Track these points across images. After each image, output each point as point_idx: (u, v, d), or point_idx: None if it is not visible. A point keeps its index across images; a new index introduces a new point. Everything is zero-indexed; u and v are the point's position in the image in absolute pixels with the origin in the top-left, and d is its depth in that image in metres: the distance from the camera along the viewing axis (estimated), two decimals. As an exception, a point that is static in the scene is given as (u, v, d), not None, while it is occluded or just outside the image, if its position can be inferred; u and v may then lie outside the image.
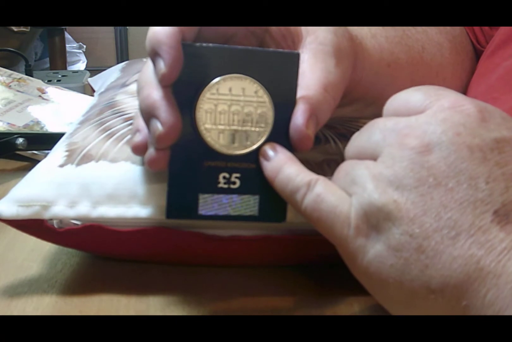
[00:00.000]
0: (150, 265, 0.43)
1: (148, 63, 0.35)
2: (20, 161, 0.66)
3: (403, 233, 0.27)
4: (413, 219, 0.27)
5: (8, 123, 0.70)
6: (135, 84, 0.52)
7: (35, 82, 0.82)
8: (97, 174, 0.39)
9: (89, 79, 0.83)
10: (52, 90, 0.81)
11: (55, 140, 0.47)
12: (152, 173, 0.39)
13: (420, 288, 0.27)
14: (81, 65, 2.16)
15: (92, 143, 0.42)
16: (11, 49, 1.24)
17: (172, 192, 0.34)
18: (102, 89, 0.61)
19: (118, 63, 0.81)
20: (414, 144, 0.28)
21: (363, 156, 0.31)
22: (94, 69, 1.24)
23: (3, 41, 1.62)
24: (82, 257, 0.44)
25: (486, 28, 0.56)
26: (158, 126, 0.33)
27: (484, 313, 0.26)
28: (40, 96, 0.78)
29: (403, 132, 0.29)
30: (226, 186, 0.35)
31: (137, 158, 0.40)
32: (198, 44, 0.33)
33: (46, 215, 0.38)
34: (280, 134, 0.34)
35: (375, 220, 0.28)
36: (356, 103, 0.44)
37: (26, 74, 0.91)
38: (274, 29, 0.38)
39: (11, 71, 0.82)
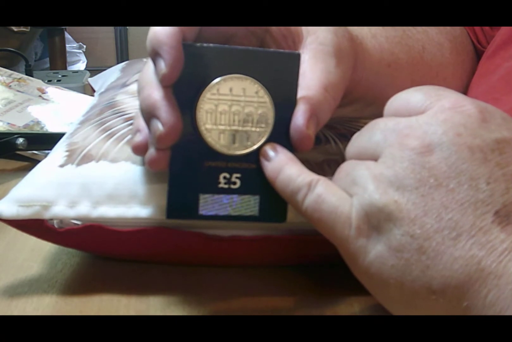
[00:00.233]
0: (150, 265, 0.43)
1: (149, 63, 0.35)
2: (20, 161, 0.66)
3: (404, 234, 0.27)
4: (414, 220, 0.27)
5: (8, 123, 0.70)
6: (135, 84, 0.52)
7: (35, 82, 0.82)
8: (97, 174, 0.39)
9: (89, 79, 0.83)
10: (52, 90, 0.81)
11: (55, 140, 0.47)
12: (152, 173, 0.39)
13: (421, 289, 0.27)
14: (81, 65, 2.16)
15: (93, 143, 0.42)
16: (11, 49, 1.24)
17: (173, 192, 0.34)
18: (102, 89, 0.61)
19: (118, 63, 0.81)
20: (415, 145, 0.28)
21: (363, 156, 0.31)
22: (94, 69, 1.24)
23: (3, 41, 1.62)
24: (82, 257, 0.44)
25: (486, 28, 0.56)
26: (159, 126, 0.33)
27: (485, 314, 0.26)
28: (40, 96, 0.78)
29: (404, 132, 0.29)
30: (226, 186, 0.34)
31: (138, 158, 0.40)
32: (198, 44, 0.33)
33: (47, 215, 0.38)
34: (281, 134, 0.34)
35: (376, 220, 0.28)
36: (356, 103, 0.44)
37: (26, 74, 0.91)
38: (274, 29, 0.38)
39: (11, 71, 0.82)
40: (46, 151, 0.63)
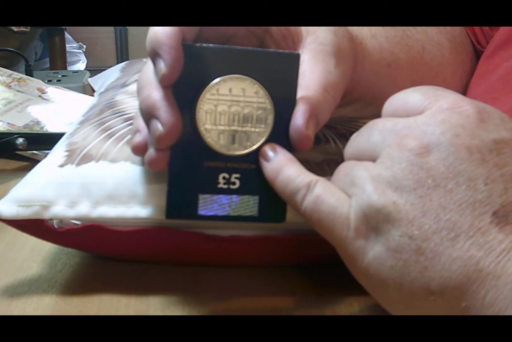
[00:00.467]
0: (150, 265, 0.43)
1: (148, 63, 0.35)
2: (20, 161, 0.66)
3: (402, 235, 0.27)
4: (412, 221, 0.27)
5: (8, 123, 0.70)
6: (135, 84, 0.52)
7: (35, 82, 0.82)
8: (97, 174, 0.39)
9: (89, 79, 0.83)
10: (52, 90, 0.81)
11: (55, 140, 0.47)
12: (152, 173, 0.39)
13: (420, 290, 0.27)
14: (81, 65, 2.16)
15: (92, 143, 0.42)
16: (11, 49, 1.24)
17: (172, 192, 0.34)
18: (102, 89, 0.61)
19: (118, 63, 0.81)
20: (413, 145, 0.28)
21: (362, 157, 0.31)
22: (94, 69, 1.24)
23: (3, 41, 1.62)
24: (82, 257, 0.44)
25: (486, 28, 0.56)
26: (158, 126, 0.33)
27: (483, 314, 0.26)
28: (40, 96, 0.78)
29: (402, 133, 0.29)
30: (225, 186, 0.35)
31: (137, 158, 0.40)
32: (198, 44, 0.33)
33: (46, 215, 0.38)
34: (280, 134, 0.34)
35: (375, 221, 0.28)
36: (356, 103, 0.44)
37: (26, 74, 0.91)
38: (274, 29, 0.38)
39: (11, 71, 0.82)
40: (46, 151, 0.63)
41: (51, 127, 0.71)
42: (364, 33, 0.44)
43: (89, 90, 0.90)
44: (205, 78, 0.33)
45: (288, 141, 0.34)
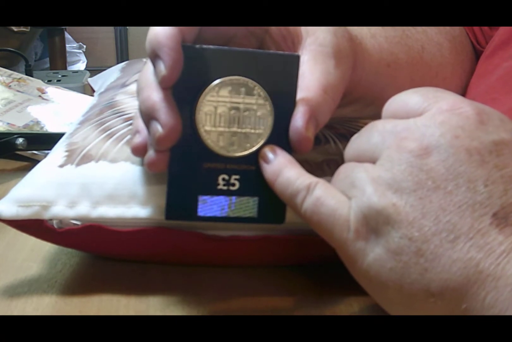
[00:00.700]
0: (150, 265, 0.43)
1: (148, 64, 0.35)
2: (20, 161, 0.66)
3: (402, 237, 0.27)
4: (412, 222, 0.27)
5: (8, 123, 0.70)
6: (135, 84, 0.52)
7: (35, 82, 0.82)
8: (97, 174, 0.39)
9: (89, 79, 0.83)
10: (52, 90, 0.81)
11: (55, 140, 0.47)
12: (151, 173, 0.39)
13: (420, 291, 0.27)
14: (81, 65, 2.15)
15: (92, 143, 0.42)
16: (11, 49, 1.24)
17: (172, 194, 0.34)
18: (102, 89, 0.61)
19: (118, 63, 0.80)
20: (413, 147, 0.28)
21: (362, 158, 0.31)
22: (94, 69, 1.24)
23: (3, 41, 1.62)
24: (82, 257, 0.44)
25: (486, 28, 0.56)
26: (158, 128, 0.33)
27: None
28: (40, 96, 0.78)
29: (402, 135, 0.29)
30: (225, 188, 0.35)
31: (137, 158, 0.40)
32: (198, 46, 0.33)
33: (46, 215, 0.38)
34: (280, 136, 0.34)
35: (374, 223, 0.28)
36: (356, 103, 0.44)
37: (26, 74, 0.91)
38: (274, 30, 0.38)
39: (11, 71, 0.82)
40: (46, 151, 0.63)
41: (51, 127, 0.71)
42: (364, 33, 0.44)
43: (89, 90, 0.90)
44: (205, 80, 0.33)
45: (288, 142, 0.34)
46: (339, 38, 0.38)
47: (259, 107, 0.34)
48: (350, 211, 0.29)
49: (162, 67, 0.32)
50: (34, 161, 0.61)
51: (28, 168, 0.43)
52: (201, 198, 0.34)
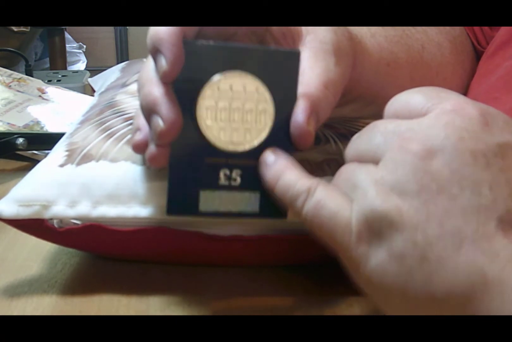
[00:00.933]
0: (150, 265, 0.43)
1: (149, 60, 0.35)
2: (20, 161, 0.66)
3: (406, 240, 0.27)
4: (416, 226, 0.27)
5: (8, 123, 0.70)
6: (135, 84, 0.52)
7: (35, 82, 0.82)
8: (97, 173, 0.39)
9: (89, 80, 0.83)
10: (52, 90, 0.81)
11: (55, 140, 0.47)
12: (152, 173, 0.39)
13: (424, 296, 0.27)
14: (81, 65, 2.15)
15: (92, 143, 0.42)
16: (11, 49, 1.24)
17: (173, 189, 0.34)
18: (102, 89, 0.61)
19: (118, 63, 0.81)
20: (417, 149, 0.28)
21: (363, 159, 0.30)
22: (94, 69, 1.24)
23: (3, 41, 1.62)
24: (82, 257, 0.44)
25: (486, 28, 0.56)
26: (159, 122, 0.33)
27: None
28: (40, 96, 0.78)
29: (405, 135, 0.28)
30: (226, 183, 0.34)
31: (137, 158, 0.40)
32: (199, 41, 0.33)
33: (46, 215, 0.38)
34: (281, 131, 0.34)
35: (377, 226, 0.28)
36: (356, 102, 0.44)
37: (26, 74, 0.91)
38: (274, 28, 0.38)
39: (11, 71, 0.82)
40: (46, 151, 0.63)
41: (51, 127, 0.71)
42: (364, 32, 0.44)
43: (89, 90, 0.90)
44: (205, 75, 0.33)
45: (288, 138, 0.34)
46: (339, 36, 0.38)
47: (260, 102, 0.34)
48: (352, 213, 0.29)
49: (163, 62, 0.32)
50: (34, 161, 0.61)
51: (28, 168, 0.43)
52: (203, 193, 0.34)
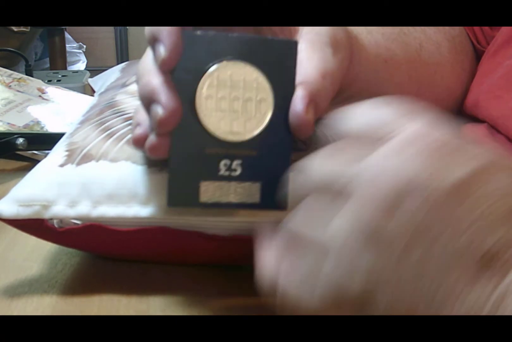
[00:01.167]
0: (150, 265, 0.43)
1: (148, 52, 0.35)
2: (20, 161, 0.66)
3: (386, 309, 0.25)
4: (391, 301, 0.25)
5: (8, 123, 0.70)
6: (135, 85, 0.52)
7: (35, 82, 0.82)
8: (97, 173, 0.39)
9: (89, 80, 0.83)
10: (52, 90, 0.81)
11: (55, 140, 0.47)
12: (152, 173, 0.39)
13: None
14: (81, 65, 2.15)
15: (92, 143, 0.42)
16: (11, 49, 1.24)
17: (173, 180, 0.34)
18: (102, 90, 0.61)
19: (118, 63, 0.81)
20: (374, 209, 0.25)
21: (328, 191, 0.27)
22: (94, 69, 1.24)
23: (3, 41, 1.62)
24: (82, 257, 0.44)
25: (486, 28, 0.56)
26: (159, 110, 0.33)
27: None
28: (40, 96, 0.78)
29: (373, 174, 0.26)
30: (227, 173, 0.34)
31: (138, 158, 0.40)
32: (198, 31, 0.33)
33: (47, 215, 0.38)
34: (280, 120, 0.34)
35: (353, 308, 0.26)
36: (354, 99, 0.44)
37: (26, 74, 0.91)
38: None
39: (11, 71, 0.82)
40: (46, 151, 0.63)
41: (51, 127, 0.71)
42: (360, 29, 0.44)
43: (89, 90, 0.90)
44: (204, 65, 0.33)
45: (288, 127, 0.34)
46: (335, 29, 0.38)
47: (259, 91, 0.34)
48: (317, 295, 0.27)
49: (161, 50, 0.33)
50: (34, 162, 0.61)
51: (28, 168, 0.43)
52: (203, 184, 0.34)
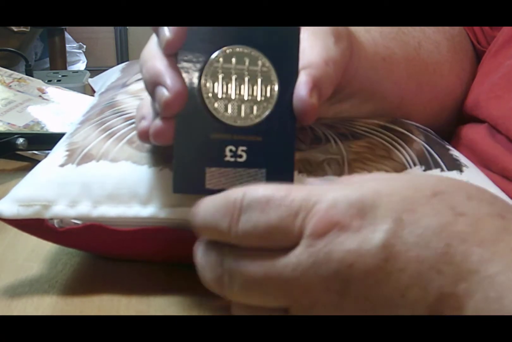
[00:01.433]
0: (151, 265, 0.43)
1: (151, 40, 0.35)
2: (20, 161, 0.66)
3: None
4: None
5: (8, 123, 0.70)
6: (135, 84, 0.52)
7: (35, 82, 0.82)
8: (97, 173, 0.39)
9: (90, 80, 0.83)
10: (52, 90, 0.81)
11: (55, 140, 0.47)
12: (152, 172, 0.39)
13: None
14: (81, 65, 2.16)
15: (93, 143, 0.42)
16: (11, 49, 1.24)
17: (179, 166, 0.34)
18: (103, 90, 0.61)
19: (118, 63, 0.81)
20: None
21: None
22: (94, 69, 1.24)
23: (3, 41, 1.62)
24: (82, 257, 0.44)
25: (486, 28, 0.56)
26: (164, 92, 0.33)
27: None
28: (40, 96, 0.78)
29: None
30: (232, 159, 0.34)
31: (138, 158, 0.40)
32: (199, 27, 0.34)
33: (47, 215, 0.38)
34: (285, 106, 0.34)
35: None
36: (353, 98, 0.44)
37: (26, 74, 0.91)
38: None
39: (11, 71, 0.82)
40: (46, 151, 0.63)
41: (51, 127, 0.71)
42: (358, 28, 0.44)
43: (89, 90, 0.90)
44: (209, 50, 0.34)
45: (292, 112, 0.34)
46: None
47: (264, 77, 0.34)
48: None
49: (166, 32, 0.33)
50: (34, 162, 0.61)
51: (28, 168, 0.43)
52: (209, 170, 0.34)
